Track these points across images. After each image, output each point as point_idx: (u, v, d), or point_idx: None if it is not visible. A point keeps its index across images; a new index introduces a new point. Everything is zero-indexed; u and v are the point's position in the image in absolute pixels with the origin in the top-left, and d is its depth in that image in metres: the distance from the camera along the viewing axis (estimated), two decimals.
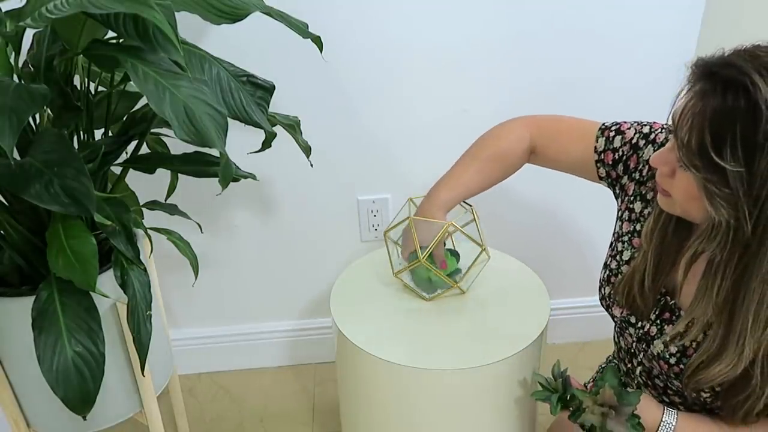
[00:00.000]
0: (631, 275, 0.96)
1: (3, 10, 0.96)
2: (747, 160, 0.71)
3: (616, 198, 1.05)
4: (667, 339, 0.91)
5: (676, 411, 0.95)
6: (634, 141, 0.99)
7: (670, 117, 0.80)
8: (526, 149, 1.14)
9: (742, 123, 0.70)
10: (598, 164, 1.04)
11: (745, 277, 0.80)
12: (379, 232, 1.70)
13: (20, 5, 0.88)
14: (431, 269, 1.19)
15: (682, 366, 0.91)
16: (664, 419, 0.93)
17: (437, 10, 1.46)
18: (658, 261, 0.92)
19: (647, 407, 0.94)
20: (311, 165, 1.33)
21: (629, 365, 1.05)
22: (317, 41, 1.14)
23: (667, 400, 1.00)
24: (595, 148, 1.04)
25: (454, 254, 1.26)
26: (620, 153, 1.01)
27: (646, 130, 0.99)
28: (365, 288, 1.28)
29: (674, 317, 0.93)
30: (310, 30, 1.13)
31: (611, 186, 1.05)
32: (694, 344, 0.89)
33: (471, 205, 1.22)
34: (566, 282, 1.83)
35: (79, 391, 0.96)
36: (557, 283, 1.80)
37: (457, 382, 1.09)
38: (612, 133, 1.03)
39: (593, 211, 1.74)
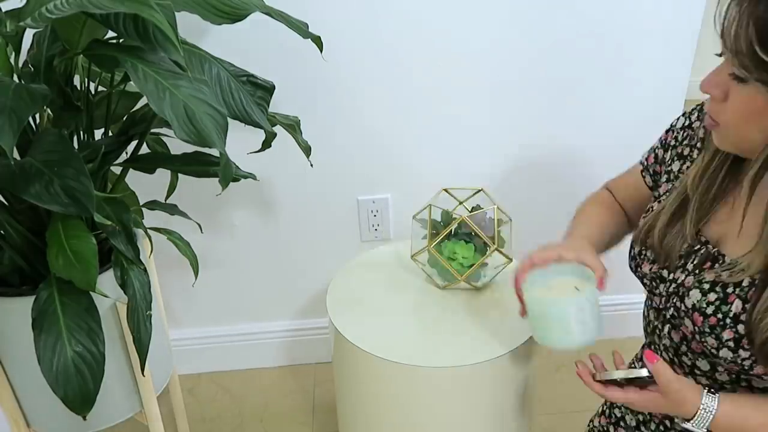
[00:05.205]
0: (657, 215, 0.92)
1: (3, 10, 0.96)
2: None
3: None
4: (723, 272, 0.84)
5: (717, 394, 0.84)
6: (668, 126, 1.00)
7: (717, 28, 0.75)
8: (613, 198, 1.14)
9: None
10: (644, 173, 1.04)
11: None
12: (380, 232, 1.71)
13: (20, 5, 0.88)
14: (440, 259, 1.19)
15: (719, 316, 0.84)
16: (703, 402, 0.83)
17: (438, 10, 1.46)
18: (701, 207, 0.88)
19: (682, 389, 0.84)
20: (311, 165, 1.33)
21: (658, 340, 0.99)
22: (317, 41, 1.14)
23: (693, 381, 0.93)
24: (641, 161, 1.05)
25: (470, 245, 1.24)
26: (660, 143, 1.01)
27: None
28: (362, 287, 1.28)
29: (716, 266, 0.87)
30: (310, 30, 1.13)
31: (657, 186, 1.02)
32: (737, 289, 0.83)
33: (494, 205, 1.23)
34: None
35: (79, 391, 0.96)
36: None
37: (453, 380, 1.09)
38: (654, 144, 1.04)
39: None
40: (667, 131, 1.01)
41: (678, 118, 0.99)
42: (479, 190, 1.28)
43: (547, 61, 1.54)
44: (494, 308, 1.21)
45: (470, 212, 1.26)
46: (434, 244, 1.20)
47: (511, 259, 1.24)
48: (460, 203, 1.29)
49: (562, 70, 1.55)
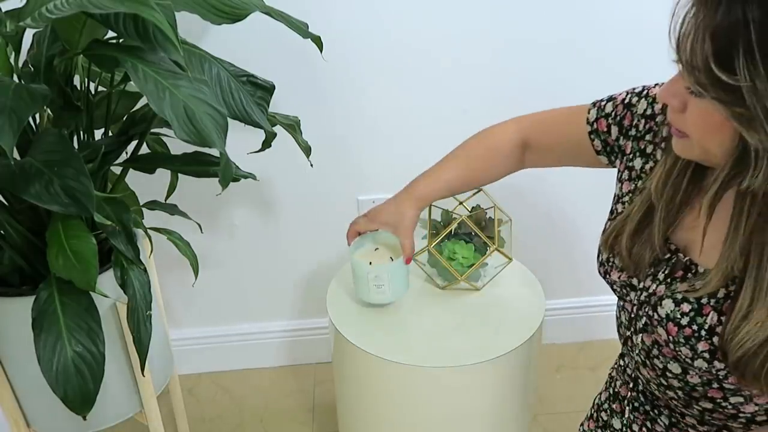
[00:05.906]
0: (623, 222, 0.90)
1: (3, 10, 0.96)
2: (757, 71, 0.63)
3: (615, 164, 1.00)
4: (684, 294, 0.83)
5: None
6: (626, 100, 0.95)
7: (671, 40, 0.72)
8: (517, 145, 1.11)
9: (745, 36, 0.63)
10: (592, 136, 1.00)
11: None
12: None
13: (20, 5, 0.88)
14: (440, 259, 1.19)
15: (694, 327, 0.82)
16: None
17: (438, 10, 1.46)
18: (668, 216, 0.86)
19: None
20: (311, 165, 1.33)
21: (631, 346, 0.98)
22: (317, 41, 1.14)
23: (665, 382, 0.93)
24: (587, 119, 1.00)
25: (470, 245, 1.25)
26: (613, 115, 0.96)
27: (638, 89, 0.95)
28: None
29: (689, 275, 0.85)
30: (310, 30, 1.13)
31: (609, 156, 1.00)
32: (712, 301, 0.82)
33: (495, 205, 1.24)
34: (566, 282, 1.83)
35: (79, 391, 0.96)
36: (557, 283, 1.80)
37: (453, 380, 1.09)
38: (604, 102, 0.99)
39: (592, 211, 1.74)
40: (625, 105, 0.95)
41: (639, 99, 0.93)
42: (479, 190, 1.29)
43: (549, 62, 1.54)
44: (494, 308, 1.21)
45: (470, 212, 1.26)
46: (434, 244, 1.21)
47: (511, 259, 1.24)
48: (460, 203, 1.29)
49: (564, 71, 1.55)
